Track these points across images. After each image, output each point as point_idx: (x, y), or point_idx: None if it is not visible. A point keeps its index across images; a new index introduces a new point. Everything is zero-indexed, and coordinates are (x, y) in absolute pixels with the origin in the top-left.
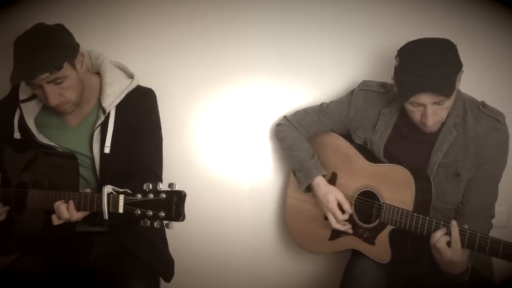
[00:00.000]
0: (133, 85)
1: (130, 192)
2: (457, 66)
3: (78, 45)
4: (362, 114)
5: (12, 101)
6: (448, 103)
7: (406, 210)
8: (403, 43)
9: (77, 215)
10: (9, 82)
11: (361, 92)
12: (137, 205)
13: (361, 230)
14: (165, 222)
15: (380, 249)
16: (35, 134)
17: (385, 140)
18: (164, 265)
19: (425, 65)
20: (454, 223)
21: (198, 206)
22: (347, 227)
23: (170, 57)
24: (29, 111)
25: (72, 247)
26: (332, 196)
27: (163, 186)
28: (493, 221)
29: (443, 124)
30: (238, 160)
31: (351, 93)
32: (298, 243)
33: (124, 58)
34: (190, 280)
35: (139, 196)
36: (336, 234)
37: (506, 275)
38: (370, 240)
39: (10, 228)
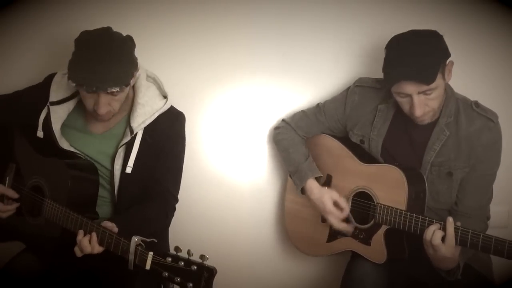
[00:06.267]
0: (165, 108)
1: (156, 241)
2: (441, 55)
3: (137, 59)
4: (359, 110)
5: (43, 96)
6: (436, 93)
7: (400, 210)
8: None
9: (98, 249)
10: (71, 80)
11: (356, 89)
12: (165, 268)
13: (357, 231)
14: None
15: (376, 249)
16: (58, 140)
17: (383, 135)
18: None
19: (406, 54)
20: (450, 219)
21: (198, 206)
22: (350, 228)
23: (170, 57)
24: (58, 117)
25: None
26: (327, 198)
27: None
28: (493, 221)
29: (435, 123)
30: (238, 161)
31: (347, 90)
32: (296, 246)
33: None
34: None
35: (169, 259)
36: (333, 236)
37: (506, 275)
38: (366, 241)
39: (20, 227)
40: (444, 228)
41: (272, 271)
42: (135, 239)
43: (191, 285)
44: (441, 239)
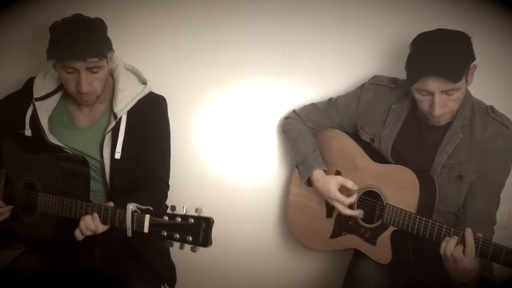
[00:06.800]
0: (146, 91)
1: (152, 209)
2: (469, 57)
3: (111, 41)
4: (372, 108)
5: (25, 97)
6: (458, 94)
7: (409, 212)
8: (405, 42)
9: (103, 227)
10: (49, 58)
11: (371, 87)
12: (163, 227)
13: (363, 229)
14: (191, 246)
15: (381, 250)
16: (46, 134)
17: (394, 136)
18: (168, 271)
19: (435, 50)
20: (469, 230)
21: (199, 205)
22: (358, 212)
23: (171, 57)
24: (44, 111)
25: (75, 247)
26: (332, 184)
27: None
28: None
29: (449, 125)
30: (240, 160)
31: (361, 87)
32: (299, 240)
33: (124, 58)
34: (190, 279)
35: (166, 218)
36: (337, 232)
37: (506, 275)
38: (371, 240)
39: (18, 228)
40: (463, 240)
41: (273, 271)
42: (130, 206)
43: (190, 238)
44: (462, 251)
